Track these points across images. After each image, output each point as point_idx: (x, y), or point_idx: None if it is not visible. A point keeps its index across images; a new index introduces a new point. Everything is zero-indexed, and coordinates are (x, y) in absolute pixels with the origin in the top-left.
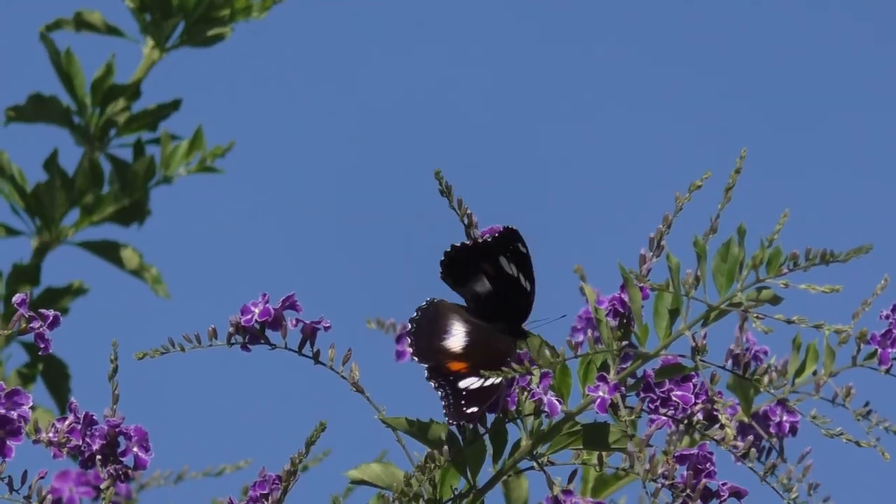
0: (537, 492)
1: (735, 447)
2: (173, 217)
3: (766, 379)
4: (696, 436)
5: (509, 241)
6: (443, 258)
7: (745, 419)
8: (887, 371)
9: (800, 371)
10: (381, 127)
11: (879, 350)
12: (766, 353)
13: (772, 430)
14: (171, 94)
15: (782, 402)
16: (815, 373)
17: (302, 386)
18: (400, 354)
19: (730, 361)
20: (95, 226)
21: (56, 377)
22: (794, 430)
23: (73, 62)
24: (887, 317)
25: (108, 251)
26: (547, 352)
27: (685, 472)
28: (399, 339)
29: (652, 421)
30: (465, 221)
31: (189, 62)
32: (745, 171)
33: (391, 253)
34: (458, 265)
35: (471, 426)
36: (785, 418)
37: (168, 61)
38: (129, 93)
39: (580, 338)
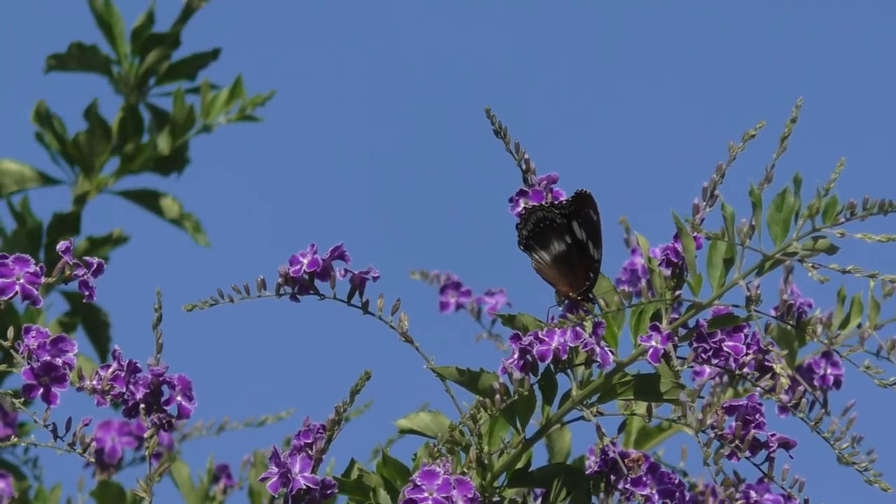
0: (579, 443)
1: (784, 399)
2: (213, 166)
3: (819, 329)
4: (740, 388)
5: (583, 205)
6: (519, 221)
7: (790, 372)
8: None
9: (844, 323)
10: (425, 74)
11: None
12: (810, 305)
13: (816, 382)
14: (211, 43)
15: (827, 355)
16: (859, 325)
17: (347, 337)
18: (444, 306)
19: (782, 313)
20: (135, 175)
21: (96, 326)
22: (837, 383)
23: (112, 11)
24: None
25: (148, 200)
26: (601, 302)
27: (734, 423)
28: (443, 290)
29: (696, 373)
30: (523, 166)
31: (229, 10)
32: (802, 120)
33: (438, 202)
34: (533, 227)
35: (522, 375)
36: (829, 371)
37: (208, 10)
38: (169, 42)
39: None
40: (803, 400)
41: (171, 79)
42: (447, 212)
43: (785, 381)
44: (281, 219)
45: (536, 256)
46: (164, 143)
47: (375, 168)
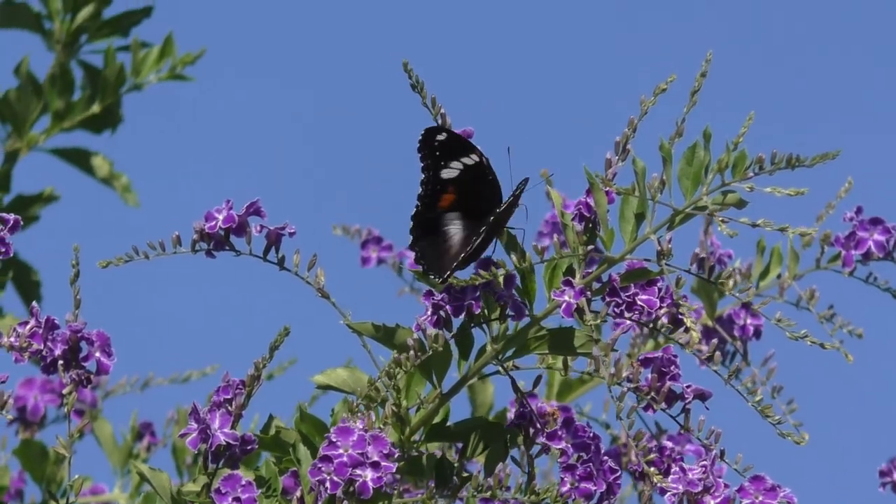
0: (502, 396)
1: (700, 350)
2: (144, 125)
3: (730, 282)
4: (661, 339)
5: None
6: (424, 135)
7: (710, 323)
8: (851, 273)
9: (764, 274)
10: (355, 35)
11: (843, 252)
12: (730, 256)
13: (736, 333)
14: (143, 0)
15: (746, 306)
16: (779, 276)
17: (270, 293)
18: (365, 260)
19: (695, 265)
20: (66, 132)
21: (27, 285)
22: (758, 333)
23: None
24: (851, 219)
25: (79, 158)
26: (513, 257)
27: (649, 376)
28: (364, 245)
29: (616, 325)
30: (439, 120)
31: None
32: (712, 75)
33: (362, 160)
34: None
35: (436, 331)
36: (749, 321)
37: None
38: None
39: (546, 242)
40: (717, 353)
41: (103, 36)
42: (372, 168)
43: (696, 336)
44: (211, 177)
45: None
46: (95, 102)
47: (304, 126)
